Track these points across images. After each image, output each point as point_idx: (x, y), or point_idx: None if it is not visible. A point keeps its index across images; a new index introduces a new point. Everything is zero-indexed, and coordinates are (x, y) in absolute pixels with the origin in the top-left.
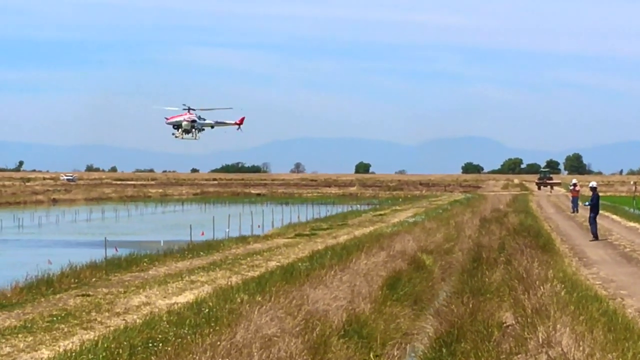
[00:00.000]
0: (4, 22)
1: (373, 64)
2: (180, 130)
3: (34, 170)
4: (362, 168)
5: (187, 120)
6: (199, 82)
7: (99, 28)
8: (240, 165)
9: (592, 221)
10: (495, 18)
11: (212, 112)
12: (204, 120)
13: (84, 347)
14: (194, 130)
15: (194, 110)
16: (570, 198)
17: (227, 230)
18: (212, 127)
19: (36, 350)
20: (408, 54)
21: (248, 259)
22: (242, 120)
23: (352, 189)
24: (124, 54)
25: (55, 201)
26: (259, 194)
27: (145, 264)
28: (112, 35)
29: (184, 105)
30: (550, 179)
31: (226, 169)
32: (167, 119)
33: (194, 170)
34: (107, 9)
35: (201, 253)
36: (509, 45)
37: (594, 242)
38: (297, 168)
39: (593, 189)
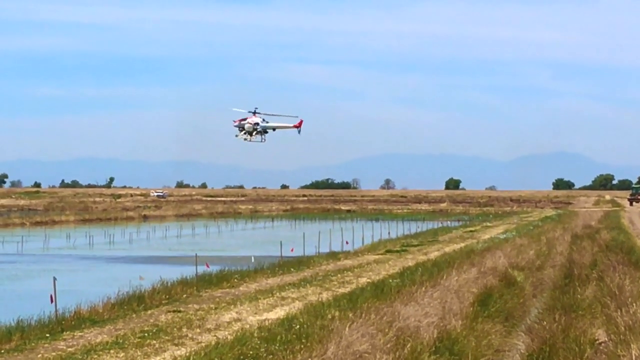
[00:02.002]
0: (98, 40)
1: (464, 80)
2: (243, 132)
3: (124, 187)
4: (452, 184)
5: (250, 123)
6: (290, 98)
7: (191, 45)
8: (329, 181)
9: None
10: (587, 33)
11: (277, 117)
12: (267, 123)
13: None
14: (256, 132)
15: (259, 113)
16: None
17: (317, 246)
18: (274, 129)
19: None
20: (499, 69)
21: (338, 275)
22: (300, 123)
23: (443, 205)
24: (216, 70)
25: (145, 217)
26: (348, 210)
27: (236, 280)
28: (204, 52)
29: (256, 108)
30: None
31: (316, 185)
32: (234, 121)
33: (284, 187)
34: (199, 26)
35: (292, 269)
36: (601, 60)
37: None
38: (387, 184)
39: None
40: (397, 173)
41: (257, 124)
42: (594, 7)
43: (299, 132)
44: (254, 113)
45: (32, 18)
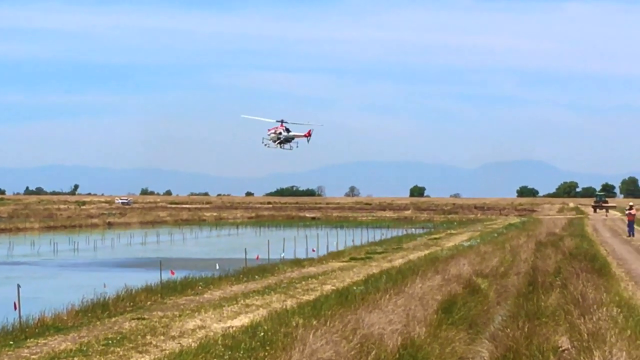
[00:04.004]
0: (64, 47)
1: (430, 88)
2: (271, 141)
3: (89, 194)
4: (417, 191)
5: (275, 133)
6: (258, 106)
7: (158, 52)
8: (294, 188)
9: None
10: (554, 41)
11: (300, 126)
12: (288, 133)
13: None
14: (279, 142)
15: (286, 122)
16: (627, 222)
17: (282, 253)
18: (294, 138)
19: None
20: (466, 77)
21: (303, 282)
22: (309, 132)
23: (407, 213)
24: (183, 78)
25: (110, 224)
26: (313, 218)
27: (200, 287)
28: (171, 59)
29: (282, 120)
30: (606, 202)
31: (280, 192)
32: (268, 130)
33: (249, 194)
34: (166, 34)
35: (256, 276)
36: (567, 68)
37: None
38: (352, 191)
39: None
40: (362, 181)
41: (280, 133)
42: (561, 15)
43: (308, 141)
44: (281, 123)
45: None
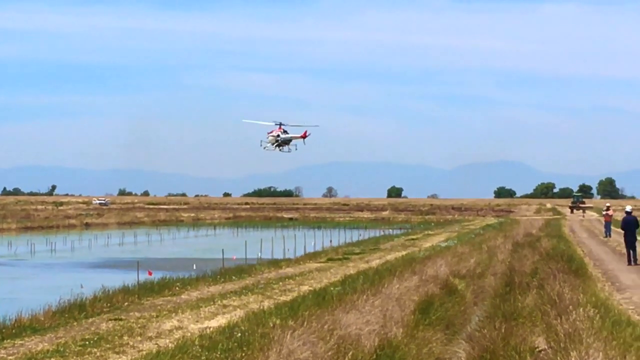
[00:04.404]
0: (41, 48)
1: (408, 88)
2: (269, 143)
3: (67, 195)
4: (395, 192)
5: (273, 135)
6: (235, 106)
7: (135, 53)
8: (272, 189)
9: (633, 246)
10: (531, 43)
11: (297, 128)
12: (287, 135)
13: None
14: (277, 144)
15: (284, 125)
16: (604, 223)
17: (259, 254)
18: (291, 140)
19: None
20: (444, 78)
21: (280, 283)
22: (305, 134)
23: (385, 214)
24: (161, 79)
25: (87, 225)
26: (291, 218)
27: (177, 288)
28: (148, 60)
29: (280, 122)
30: (583, 203)
31: (258, 193)
32: (268, 133)
33: (226, 195)
34: (143, 34)
35: (233, 277)
36: (545, 69)
37: (627, 266)
38: (330, 192)
39: (627, 212)
40: (339, 181)
41: (278, 135)
42: (538, 17)
43: (304, 142)
44: (279, 125)
45: None
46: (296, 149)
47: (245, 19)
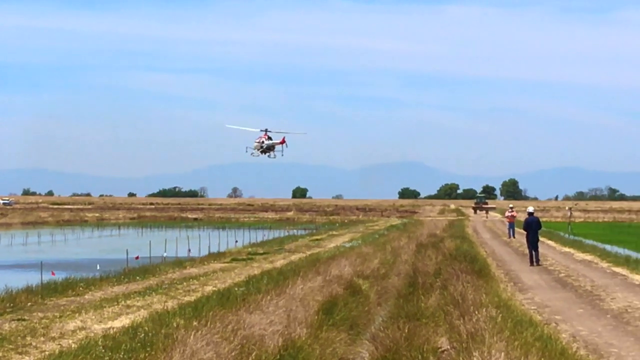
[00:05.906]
0: None
1: (311, 89)
2: (256, 149)
3: None
4: (299, 193)
5: (257, 142)
6: (139, 107)
7: (39, 51)
8: (177, 189)
9: (535, 246)
10: (435, 44)
11: (284, 135)
12: (270, 141)
13: None
14: (262, 150)
15: (270, 132)
16: (507, 224)
17: (164, 254)
18: (274, 147)
19: None
20: (349, 79)
21: (184, 283)
22: (283, 140)
23: (289, 214)
24: (65, 78)
25: None
26: (195, 219)
27: (81, 288)
28: (52, 59)
29: (266, 128)
30: (486, 204)
31: (163, 193)
32: (255, 140)
33: (131, 195)
34: (47, 33)
35: (137, 277)
36: (449, 71)
37: (529, 267)
38: (234, 193)
39: (529, 213)
40: (244, 182)
41: (263, 142)
42: (442, 18)
43: (283, 149)
44: (265, 132)
45: None
46: (282, 155)
47: (149, 19)
